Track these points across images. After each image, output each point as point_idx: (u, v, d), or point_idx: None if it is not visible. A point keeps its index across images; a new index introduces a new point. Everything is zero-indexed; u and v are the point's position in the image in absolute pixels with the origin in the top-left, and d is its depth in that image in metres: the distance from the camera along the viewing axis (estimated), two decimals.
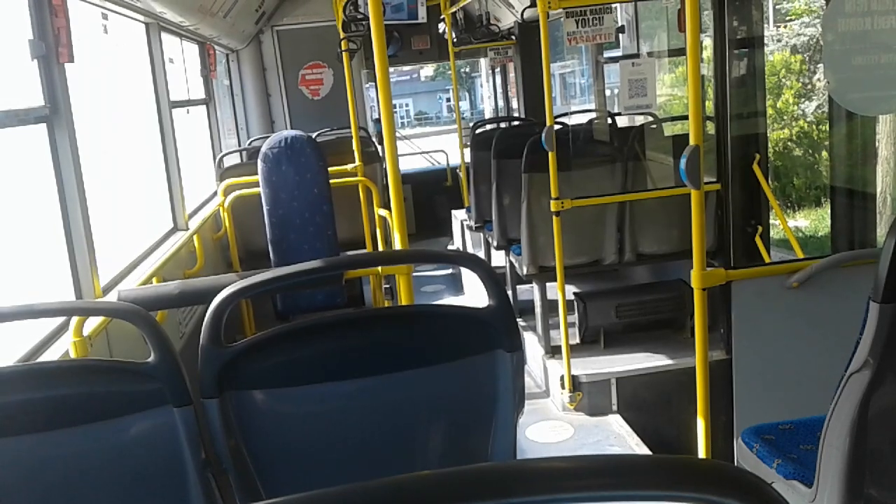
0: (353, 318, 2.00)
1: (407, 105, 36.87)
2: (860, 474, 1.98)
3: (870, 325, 1.85)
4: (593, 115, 7.38)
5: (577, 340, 5.42)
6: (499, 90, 12.22)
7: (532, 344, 5.82)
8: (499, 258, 6.88)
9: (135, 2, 4.57)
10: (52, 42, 3.42)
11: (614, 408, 5.05)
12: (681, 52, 5.82)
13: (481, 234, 7.43)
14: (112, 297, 3.70)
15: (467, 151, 7.96)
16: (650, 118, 5.86)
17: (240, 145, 8.49)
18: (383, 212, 5.62)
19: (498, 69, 12.00)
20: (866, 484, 2.02)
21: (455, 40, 9.19)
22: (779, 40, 13.61)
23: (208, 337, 1.79)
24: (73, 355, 3.01)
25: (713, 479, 0.68)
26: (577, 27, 4.80)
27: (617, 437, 4.79)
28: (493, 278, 1.92)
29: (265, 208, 5.59)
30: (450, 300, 8.08)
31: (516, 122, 9.05)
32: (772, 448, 2.49)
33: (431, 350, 1.91)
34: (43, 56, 3.43)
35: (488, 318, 1.90)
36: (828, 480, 2.06)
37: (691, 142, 2.90)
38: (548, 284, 5.51)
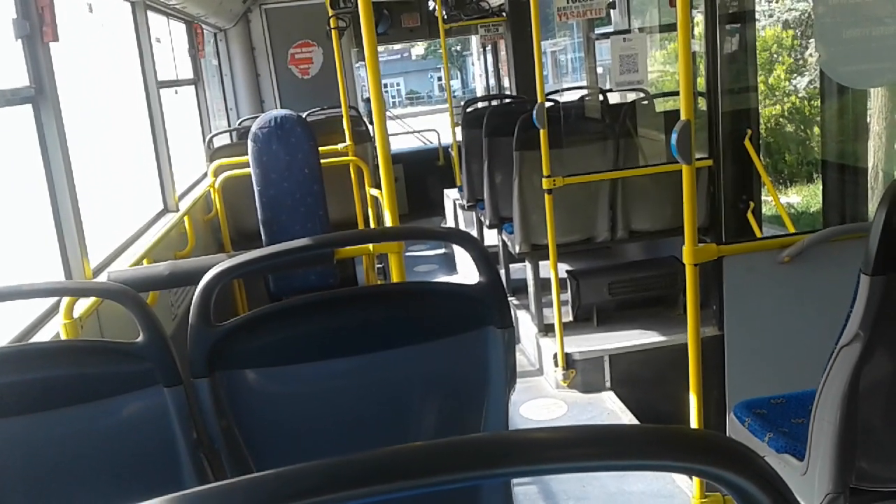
0: (344, 297, 1.99)
1: (398, 84, 36.68)
2: (851, 447, 2.00)
3: (860, 297, 1.85)
4: (585, 92, 7.35)
5: (571, 318, 5.43)
6: (490, 68, 12.16)
7: (525, 322, 5.83)
8: (491, 237, 6.87)
9: None
10: (36, 21, 3.38)
11: (608, 385, 5.07)
12: (672, 27, 5.78)
13: (474, 213, 7.41)
14: (102, 279, 3.68)
15: (459, 130, 7.93)
16: (642, 94, 5.83)
17: (229, 125, 8.43)
18: (375, 191, 5.59)
19: (489, 47, 11.93)
20: (857, 457, 2.03)
21: (445, 17, 9.13)
22: (770, 15, 13.56)
23: (197, 316, 1.78)
24: (63, 337, 3.00)
25: (703, 449, 0.67)
26: (568, 2, 4.76)
27: (610, 413, 4.82)
28: (483, 255, 1.91)
29: (256, 189, 5.56)
30: (443, 280, 8.08)
31: (508, 100, 9.01)
32: (763, 422, 2.50)
33: (423, 327, 1.91)
34: (27, 35, 3.38)
35: (479, 294, 1.89)
36: (819, 453, 2.07)
37: (682, 116, 2.89)
38: (540, 263, 5.51)
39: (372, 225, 5.89)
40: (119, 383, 1.80)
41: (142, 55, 5.39)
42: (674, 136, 2.87)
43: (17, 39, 3.37)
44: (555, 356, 5.09)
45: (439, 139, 10.96)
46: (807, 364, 2.35)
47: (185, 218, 5.27)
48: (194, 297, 1.79)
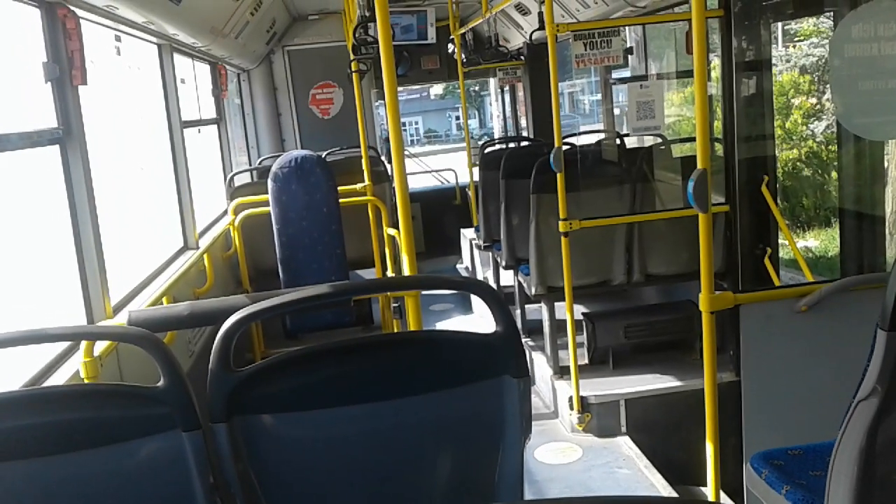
0: (362, 343, 2.01)
1: (416, 123, 37.08)
2: (868, 503, 1.97)
3: (877, 353, 1.84)
4: (602, 135, 7.41)
5: (586, 361, 5.41)
6: (507, 109, 12.27)
7: (541, 364, 5.81)
8: (507, 278, 6.88)
9: (148, 24, 4.63)
10: (65, 65, 3.47)
11: (623, 429, 5.02)
12: (689, 73, 5.83)
13: (490, 254, 7.44)
14: (122, 317, 3.72)
15: (476, 170, 7.98)
16: (658, 139, 5.87)
17: (250, 164, 8.55)
18: (392, 231, 5.64)
19: (507, 88, 12.05)
20: None
21: (464, 60, 9.24)
22: (788, 60, 13.62)
23: (217, 362, 1.80)
24: (83, 376, 3.03)
25: None
26: (586, 49, 4.82)
27: (626, 459, 4.77)
28: (500, 304, 1.92)
29: (275, 227, 5.63)
30: (458, 319, 8.08)
31: (525, 143, 9.08)
32: (780, 474, 2.47)
33: (439, 375, 1.92)
34: (57, 79, 3.47)
35: (496, 343, 1.91)
36: None
37: (699, 165, 2.91)
38: (556, 304, 5.50)
39: (388, 263, 5.93)
40: (137, 427, 1.82)
41: (167, 95, 5.51)
42: (690, 185, 2.88)
43: (47, 82, 3.46)
44: (570, 399, 5.06)
45: (456, 179, 11.04)
46: (825, 414, 2.33)
47: (205, 255, 5.33)
48: (215, 342, 1.81)
